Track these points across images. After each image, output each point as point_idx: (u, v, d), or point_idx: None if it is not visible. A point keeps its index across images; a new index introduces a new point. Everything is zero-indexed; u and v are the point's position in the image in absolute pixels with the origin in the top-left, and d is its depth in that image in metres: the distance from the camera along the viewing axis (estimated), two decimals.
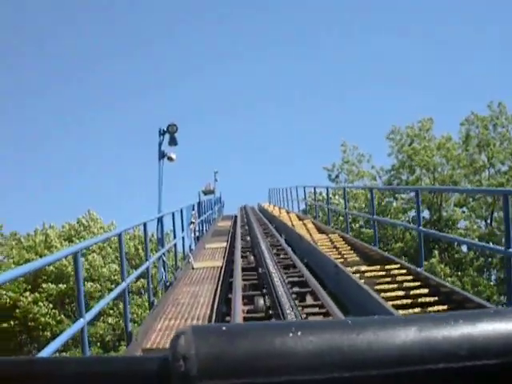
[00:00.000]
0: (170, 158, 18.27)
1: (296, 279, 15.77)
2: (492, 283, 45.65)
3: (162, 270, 17.54)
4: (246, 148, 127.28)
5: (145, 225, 14.74)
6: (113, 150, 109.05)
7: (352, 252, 18.91)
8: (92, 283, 45.10)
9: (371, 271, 15.35)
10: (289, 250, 21.54)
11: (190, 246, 24.05)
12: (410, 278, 14.13)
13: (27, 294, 43.92)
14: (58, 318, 44.18)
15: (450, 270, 45.32)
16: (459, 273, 45.92)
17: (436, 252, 45.26)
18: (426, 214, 50.30)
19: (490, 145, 49.33)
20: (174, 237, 19.84)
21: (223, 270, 19.88)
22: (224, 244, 26.78)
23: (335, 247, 20.15)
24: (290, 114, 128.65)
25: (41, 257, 43.13)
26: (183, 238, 21.68)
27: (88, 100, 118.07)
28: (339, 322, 0.81)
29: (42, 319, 43.46)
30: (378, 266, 15.59)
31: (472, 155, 49.78)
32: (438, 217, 48.96)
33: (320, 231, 25.18)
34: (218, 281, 17.93)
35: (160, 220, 17.59)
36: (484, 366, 0.79)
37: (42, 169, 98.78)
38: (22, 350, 43.37)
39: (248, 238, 25.97)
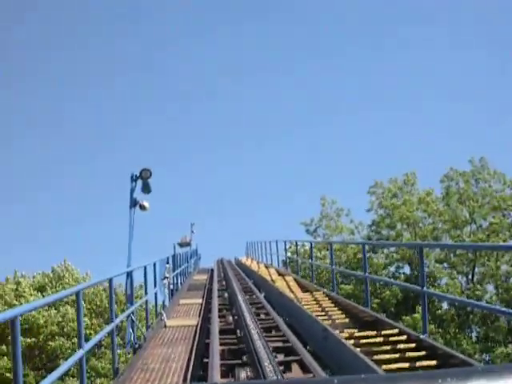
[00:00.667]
0: (142, 207, 16.39)
1: (280, 344, 13.87)
2: (473, 340, 44.14)
3: (130, 330, 15.60)
4: (223, 200, 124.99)
5: (110, 281, 12.81)
6: (88, 198, 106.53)
7: (340, 313, 17.04)
8: (63, 339, 42.98)
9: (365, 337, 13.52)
10: (269, 308, 19.65)
11: (163, 302, 22.15)
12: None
13: None
14: (24, 372, 41.71)
15: (435, 327, 43.61)
16: (440, 329, 44.36)
17: (419, 308, 43.56)
18: (406, 269, 48.90)
19: (471, 199, 48.07)
20: (145, 292, 17.89)
21: (198, 328, 18.03)
22: (199, 300, 24.81)
23: (321, 307, 18.23)
24: (269, 166, 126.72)
25: (10, 306, 41.55)
26: (156, 293, 19.76)
27: (56, 149, 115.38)
28: (325, 380, 0.76)
29: (8, 374, 41.15)
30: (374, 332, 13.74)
31: (454, 210, 48.40)
32: (418, 272, 47.24)
33: (303, 289, 23.22)
34: (193, 342, 16.10)
35: (129, 275, 15.71)
36: None
37: (15, 218, 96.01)
38: None
39: (225, 295, 24.02)
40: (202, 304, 23.39)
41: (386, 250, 49.25)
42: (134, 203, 16.37)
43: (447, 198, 48.73)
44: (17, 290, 46.95)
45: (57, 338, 43.67)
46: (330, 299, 19.43)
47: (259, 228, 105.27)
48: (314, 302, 19.27)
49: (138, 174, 16.32)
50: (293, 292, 22.43)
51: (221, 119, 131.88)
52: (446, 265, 48.21)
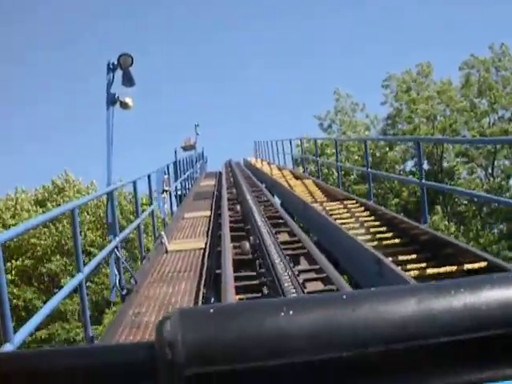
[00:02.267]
0: (123, 104, 11.98)
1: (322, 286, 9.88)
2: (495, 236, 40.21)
3: (115, 270, 11.44)
4: (230, 98, 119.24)
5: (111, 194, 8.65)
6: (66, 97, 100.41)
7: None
8: (62, 258, 39.25)
9: None
10: (295, 226, 15.53)
11: (163, 221, 18.03)
12: None
13: None
14: (29, 297, 38.65)
15: (456, 226, 39.67)
16: (462, 227, 40.51)
17: (439, 207, 39.65)
18: (425, 165, 44.70)
19: (492, 89, 43.54)
20: (137, 214, 13.70)
21: (207, 253, 14.10)
22: (207, 212, 20.68)
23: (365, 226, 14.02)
24: (280, 60, 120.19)
25: (4, 226, 37.77)
26: (152, 212, 15.62)
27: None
28: (333, 297, 0.73)
29: (15, 301, 37.68)
30: None
31: (472, 101, 43.94)
32: (438, 168, 43.19)
33: (330, 196, 18.89)
34: (201, 274, 12.16)
35: (110, 195, 11.48)
36: (489, 337, 0.72)
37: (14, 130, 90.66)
38: None
39: (238, 207, 19.78)
40: (210, 218, 19.34)
41: (403, 146, 44.84)
42: (111, 100, 11.97)
43: (466, 88, 44.12)
44: (15, 206, 43.13)
45: (57, 257, 39.72)
46: (367, 210, 15.25)
47: (269, 127, 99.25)
48: (349, 215, 15.06)
49: (114, 62, 11.88)
50: (316, 200, 18.18)
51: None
52: (465, 159, 44.01)
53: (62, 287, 8.02)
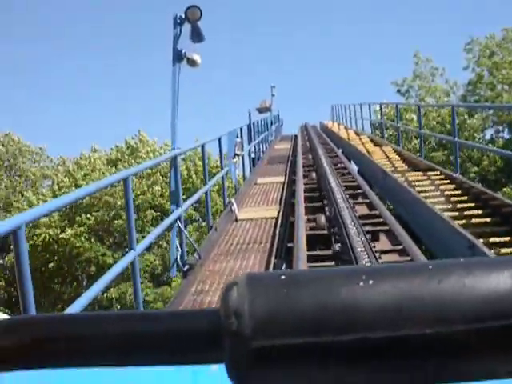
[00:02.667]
0: (191, 62, 10.82)
1: None
2: None
3: (177, 244, 10.37)
4: (306, 62, 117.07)
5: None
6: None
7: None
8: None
9: None
10: (370, 192, 14.33)
11: (235, 186, 16.94)
12: None
13: (67, 229, 38.06)
14: (101, 252, 38.17)
15: None
16: None
17: None
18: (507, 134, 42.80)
19: None
20: (205, 181, 12.61)
21: (279, 222, 13.04)
22: (281, 178, 19.54)
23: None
24: (358, 23, 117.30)
25: (76, 186, 37.68)
26: (222, 178, 14.55)
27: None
28: (418, 266, 0.63)
29: (87, 254, 37.73)
30: None
31: None
32: None
33: (410, 166, 17.53)
34: (271, 247, 11.11)
35: (173, 161, 10.40)
36: None
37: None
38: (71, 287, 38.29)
39: (314, 175, 18.57)
40: (283, 184, 18.20)
41: (483, 113, 42.85)
42: (178, 56, 10.82)
43: None
44: (87, 166, 42.68)
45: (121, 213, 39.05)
46: (453, 183, 13.90)
47: (346, 90, 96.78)
48: (433, 188, 13.74)
49: (182, 16, 10.71)
50: (397, 169, 16.87)
51: None
52: None
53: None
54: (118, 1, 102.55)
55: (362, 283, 0.60)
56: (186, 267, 10.02)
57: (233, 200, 14.51)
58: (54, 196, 37.56)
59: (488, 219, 10.82)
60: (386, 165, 17.60)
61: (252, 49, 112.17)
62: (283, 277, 0.62)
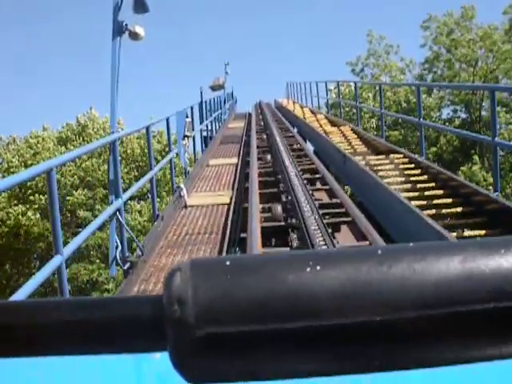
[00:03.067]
0: (133, 34, 9.59)
1: None
2: None
3: (116, 239, 9.16)
4: (262, 39, 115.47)
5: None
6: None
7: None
8: (82, 191, 37.43)
9: None
10: (329, 177, 13.30)
11: (185, 170, 15.78)
12: None
13: (16, 207, 37.03)
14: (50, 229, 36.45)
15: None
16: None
17: (477, 158, 37.02)
18: (463, 113, 42.06)
19: None
20: (150, 166, 11.41)
21: (231, 209, 12.06)
22: (234, 160, 18.44)
23: None
24: (312, 3, 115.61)
25: (25, 166, 36.76)
26: (170, 161, 13.41)
27: None
28: (367, 251, 0.64)
29: (35, 229, 36.62)
30: None
31: None
32: (476, 117, 40.50)
33: (371, 148, 16.52)
34: (223, 238, 10.13)
35: (112, 146, 9.21)
36: None
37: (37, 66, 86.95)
38: (21, 262, 37.67)
39: (268, 157, 17.45)
40: (237, 166, 17.15)
41: (441, 91, 42.09)
42: (118, 29, 9.57)
43: (511, 33, 41.08)
44: (36, 145, 41.09)
45: (79, 192, 37.97)
46: (418, 167, 12.90)
47: (300, 70, 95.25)
48: (397, 173, 12.70)
49: None
50: (356, 151, 15.84)
51: None
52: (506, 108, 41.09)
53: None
54: None
55: (308, 269, 0.60)
56: (127, 265, 8.84)
57: (181, 185, 13.38)
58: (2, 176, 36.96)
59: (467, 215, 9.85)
60: (345, 147, 16.55)
61: (205, 25, 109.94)
62: (228, 262, 0.61)
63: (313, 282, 0.59)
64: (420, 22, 43.30)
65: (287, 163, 14.75)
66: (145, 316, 0.62)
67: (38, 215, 36.84)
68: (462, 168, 36.48)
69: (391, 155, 14.25)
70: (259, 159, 16.79)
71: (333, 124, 22.59)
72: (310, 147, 20.12)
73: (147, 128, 11.43)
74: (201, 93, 21.18)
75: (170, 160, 13.46)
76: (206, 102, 22.89)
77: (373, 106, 40.76)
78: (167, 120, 13.20)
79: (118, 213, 8.80)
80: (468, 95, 39.55)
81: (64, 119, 51.39)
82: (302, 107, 34.30)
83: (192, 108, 17.69)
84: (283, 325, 0.59)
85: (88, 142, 37.74)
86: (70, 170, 38.57)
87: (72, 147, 39.08)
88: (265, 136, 22.28)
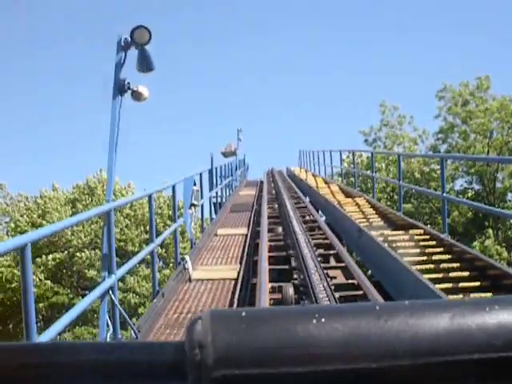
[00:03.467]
0: (136, 94, 8.70)
1: None
2: None
3: (107, 320, 8.15)
4: (274, 106, 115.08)
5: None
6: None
7: None
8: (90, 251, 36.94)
9: None
10: (345, 254, 12.32)
11: (191, 241, 14.83)
12: None
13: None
14: (55, 290, 36.71)
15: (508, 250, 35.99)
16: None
17: (490, 231, 35.95)
18: (476, 185, 41.14)
19: None
20: (151, 238, 10.41)
21: (239, 285, 11.21)
22: (244, 230, 17.53)
23: None
24: (326, 70, 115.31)
25: (33, 225, 36.60)
26: (175, 231, 12.49)
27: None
28: (366, 306, 0.72)
29: (37, 290, 35.32)
30: None
31: None
32: (490, 189, 39.55)
33: (388, 222, 15.56)
34: None
35: (107, 216, 8.23)
36: None
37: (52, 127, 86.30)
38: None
39: (280, 230, 16.44)
40: (246, 237, 16.27)
41: (454, 162, 41.13)
42: (120, 87, 8.68)
43: None
44: (45, 205, 40.68)
45: (86, 250, 37.26)
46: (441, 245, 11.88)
47: (313, 136, 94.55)
48: (418, 252, 11.69)
49: (127, 38, 8.58)
50: (372, 225, 14.86)
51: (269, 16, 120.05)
52: None
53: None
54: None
55: (315, 321, 0.66)
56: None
57: (187, 257, 12.43)
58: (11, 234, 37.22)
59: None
60: (360, 219, 15.59)
61: (219, 90, 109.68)
62: (244, 314, 0.68)
63: (318, 332, 0.65)
64: (434, 92, 42.56)
65: (299, 236, 13.77)
66: (168, 359, 0.67)
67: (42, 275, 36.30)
68: (474, 243, 35.37)
69: (411, 231, 13.26)
70: (270, 231, 15.82)
71: (347, 195, 21.66)
72: (323, 218, 19.20)
73: (149, 196, 10.52)
74: (211, 159, 20.25)
75: (175, 230, 12.53)
76: (216, 169, 22.03)
77: (387, 176, 40.03)
78: (173, 187, 12.31)
79: (110, 291, 7.80)
80: (482, 166, 38.60)
81: (75, 179, 50.84)
82: (314, 176, 33.43)
83: (201, 174, 16.82)
84: (291, 369, 0.64)
85: (97, 204, 37.77)
86: (80, 231, 37.97)
87: (81, 207, 39.16)
88: (276, 205, 21.28)
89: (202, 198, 15.68)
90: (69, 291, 37.02)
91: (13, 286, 35.21)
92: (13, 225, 40.58)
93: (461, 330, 0.68)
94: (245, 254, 14.14)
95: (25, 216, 40.23)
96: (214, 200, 22.90)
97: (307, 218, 17.93)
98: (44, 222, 36.39)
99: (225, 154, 35.32)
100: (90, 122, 75.34)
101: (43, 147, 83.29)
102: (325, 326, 0.66)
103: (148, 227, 36.62)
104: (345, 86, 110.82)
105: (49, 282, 36.46)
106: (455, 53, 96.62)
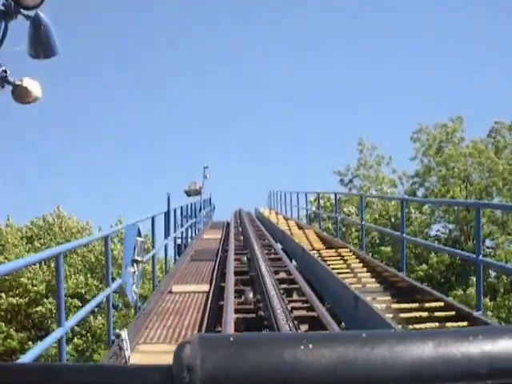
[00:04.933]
0: (19, 91, 5.03)
1: None
2: None
3: None
4: (243, 145, 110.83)
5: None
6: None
7: None
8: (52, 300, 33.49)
9: None
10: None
11: (135, 306, 11.17)
12: None
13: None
14: (6, 333, 33.12)
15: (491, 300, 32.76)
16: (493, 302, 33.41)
17: (474, 279, 32.61)
18: (456, 231, 37.88)
19: None
20: (58, 314, 6.79)
21: None
22: (205, 286, 13.88)
23: None
24: (298, 108, 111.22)
25: None
26: (108, 297, 8.86)
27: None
28: (353, 334, 0.70)
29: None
30: None
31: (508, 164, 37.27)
32: (468, 234, 36.44)
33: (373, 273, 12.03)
34: None
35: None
36: None
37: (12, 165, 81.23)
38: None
39: (250, 295, 12.61)
40: (208, 297, 12.73)
41: (428, 207, 37.95)
42: None
43: (498, 154, 37.66)
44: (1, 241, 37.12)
45: (45, 300, 33.82)
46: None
47: (284, 176, 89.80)
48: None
49: None
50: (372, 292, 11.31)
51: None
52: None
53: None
54: None
55: (302, 346, 0.65)
56: None
57: (122, 333, 8.72)
58: None
59: None
60: (351, 280, 11.97)
61: (183, 127, 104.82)
62: (232, 339, 0.66)
63: (305, 358, 0.63)
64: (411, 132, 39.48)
65: (275, 304, 10.17)
66: (156, 382, 0.64)
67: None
68: (455, 291, 32.12)
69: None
70: (237, 291, 12.19)
71: (326, 244, 18.02)
72: (297, 273, 15.55)
73: (57, 257, 6.87)
74: (168, 199, 16.37)
75: (108, 297, 8.87)
76: (175, 210, 18.29)
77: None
78: (105, 239, 8.64)
79: None
80: (462, 211, 35.42)
81: (28, 215, 47.16)
82: (286, 219, 29.85)
83: (153, 219, 13.16)
84: None
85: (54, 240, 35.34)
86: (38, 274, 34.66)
87: (39, 245, 36.69)
88: (245, 258, 17.41)
89: (145, 251, 11.78)
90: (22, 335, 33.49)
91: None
92: None
93: (446, 358, 0.66)
94: (205, 321, 10.59)
95: None
96: (178, 241, 20.40)
97: (283, 275, 14.33)
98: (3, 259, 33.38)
99: (188, 193, 31.76)
100: None
101: None
102: (312, 351, 0.64)
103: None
104: (320, 121, 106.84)
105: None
106: (436, 90, 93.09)
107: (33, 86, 5.10)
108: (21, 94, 5.09)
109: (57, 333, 6.59)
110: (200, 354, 0.64)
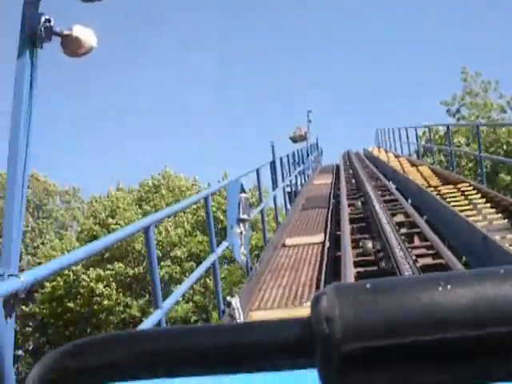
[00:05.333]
0: (68, 42, 4.21)
1: None
2: None
3: None
4: (346, 83, 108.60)
5: None
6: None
7: None
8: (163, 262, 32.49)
9: None
10: None
11: (246, 267, 10.41)
12: None
13: (90, 270, 32.35)
14: (127, 302, 32.54)
15: None
16: None
17: None
18: None
19: None
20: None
21: None
22: (319, 237, 12.95)
23: None
24: (399, 41, 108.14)
25: (103, 226, 34.02)
26: (213, 265, 8.06)
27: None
28: (490, 271, 0.65)
29: (105, 302, 32.00)
30: None
31: None
32: None
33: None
34: None
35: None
36: None
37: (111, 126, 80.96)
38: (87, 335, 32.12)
39: (369, 245, 11.63)
40: (323, 247, 11.85)
41: None
42: (32, 30, 4.10)
43: None
44: (111, 207, 36.60)
45: (162, 263, 33.20)
46: None
47: (390, 112, 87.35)
48: None
49: None
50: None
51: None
52: None
53: None
54: None
55: (440, 288, 0.62)
56: None
57: (233, 300, 7.96)
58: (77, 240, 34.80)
59: None
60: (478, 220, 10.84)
61: (283, 66, 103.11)
62: (368, 285, 0.63)
63: (444, 299, 0.61)
64: None
65: (396, 253, 9.16)
66: (295, 336, 0.63)
67: (112, 284, 32.55)
68: None
69: None
70: (354, 241, 11.26)
71: (442, 180, 16.79)
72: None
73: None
74: (272, 148, 15.46)
75: (214, 263, 8.06)
76: (281, 159, 17.39)
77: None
78: (206, 200, 7.80)
79: None
80: None
81: (138, 177, 47.07)
82: (396, 156, 28.54)
83: (258, 171, 12.32)
84: (420, 338, 0.60)
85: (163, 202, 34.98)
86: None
87: (148, 207, 35.78)
88: (359, 203, 16.37)
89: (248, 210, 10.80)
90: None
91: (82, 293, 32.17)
92: (79, 228, 38.24)
93: None
94: (322, 277, 9.71)
95: (91, 218, 36.59)
96: (287, 189, 19.47)
97: (401, 217, 13.30)
98: (115, 223, 33.49)
99: (294, 139, 30.81)
100: None
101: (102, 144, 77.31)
102: (451, 292, 0.61)
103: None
104: (422, 56, 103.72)
105: (120, 294, 32.61)
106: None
107: (85, 34, 4.21)
108: (72, 46, 4.22)
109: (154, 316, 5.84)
110: (338, 304, 0.61)
